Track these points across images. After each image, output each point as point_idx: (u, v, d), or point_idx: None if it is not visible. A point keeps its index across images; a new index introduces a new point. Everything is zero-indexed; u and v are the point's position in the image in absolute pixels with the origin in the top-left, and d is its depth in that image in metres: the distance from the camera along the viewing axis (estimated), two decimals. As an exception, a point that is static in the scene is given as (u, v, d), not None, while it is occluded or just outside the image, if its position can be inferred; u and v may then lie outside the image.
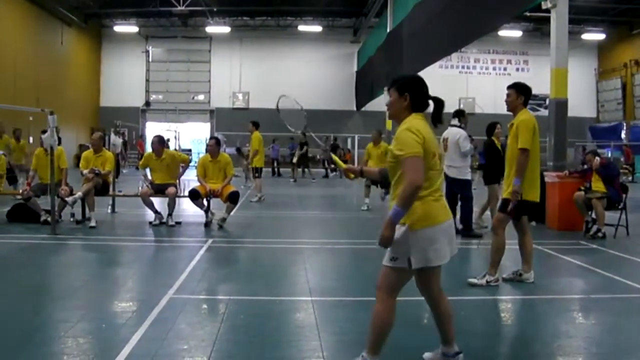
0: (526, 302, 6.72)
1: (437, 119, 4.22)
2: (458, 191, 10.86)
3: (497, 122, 11.68)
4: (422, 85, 4.15)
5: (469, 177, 11.03)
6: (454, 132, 10.83)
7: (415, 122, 4.00)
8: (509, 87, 7.40)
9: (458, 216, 10.79)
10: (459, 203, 10.94)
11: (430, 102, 4.17)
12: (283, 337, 5.07)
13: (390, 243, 3.86)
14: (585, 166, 11.59)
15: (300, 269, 8.06)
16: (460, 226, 10.70)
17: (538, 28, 38.15)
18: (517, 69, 42.53)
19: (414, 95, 4.08)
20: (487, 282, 7.05)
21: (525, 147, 6.89)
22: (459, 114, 11.24)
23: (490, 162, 11.39)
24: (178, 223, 11.57)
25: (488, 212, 11.70)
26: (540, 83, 39.51)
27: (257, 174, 17.30)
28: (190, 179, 13.63)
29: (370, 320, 4.12)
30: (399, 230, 3.88)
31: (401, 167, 3.90)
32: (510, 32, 38.86)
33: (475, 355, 4.71)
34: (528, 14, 32.39)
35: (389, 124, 33.02)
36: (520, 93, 7.30)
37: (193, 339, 4.93)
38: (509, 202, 6.88)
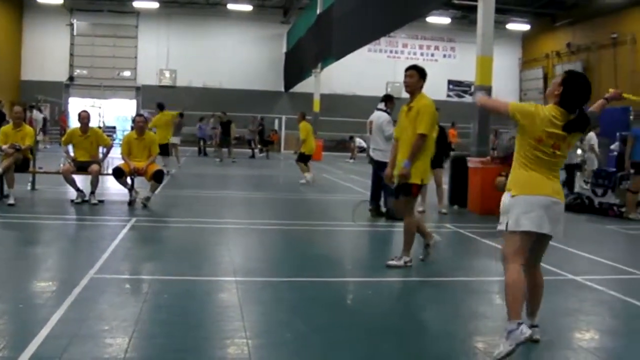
0: (445, 283, 6.88)
1: (579, 126, 4.54)
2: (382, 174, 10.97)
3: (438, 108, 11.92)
4: (584, 87, 4.52)
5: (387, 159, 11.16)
6: (378, 116, 10.97)
7: (545, 106, 4.57)
8: (410, 68, 7.33)
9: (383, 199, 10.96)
10: (387, 186, 11.07)
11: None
12: (206, 317, 5.05)
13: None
14: (496, 152, 11.91)
15: (224, 249, 8.03)
16: (384, 209, 10.91)
17: (465, 16, 38.79)
18: (444, 56, 43.27)
19: (568, 91, 4.48)
20: (405, 262, 7.10)
21: (426, 132, 6.89)
22: (387, 98, 11.42)
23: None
24: (101, 201, 11.33)
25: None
26: (466, 70, 40.49)
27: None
28: (114, 157, 13.35)
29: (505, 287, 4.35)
30: (505, 197, 4.51)
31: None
32: (439, 19, 39.44)
33: (395, 335, 4.79)
34: (456, 1, 32.97)
35: (316, 105, 33.18)
36: (421, 76, 7.27)
37: (114, 320, 4.86)
38: (410, 186, 6.91)
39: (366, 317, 5.25)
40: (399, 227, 10.19)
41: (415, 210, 7.45)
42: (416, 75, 7.22)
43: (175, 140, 21.15)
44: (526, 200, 4.37)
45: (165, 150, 16.80)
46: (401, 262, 7.10)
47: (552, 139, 4.38)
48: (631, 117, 29.00)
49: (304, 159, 17.28)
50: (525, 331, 4.14)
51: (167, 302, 5.42)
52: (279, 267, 7.24)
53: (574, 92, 4.44)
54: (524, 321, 4.37)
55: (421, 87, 7.25)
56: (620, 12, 32.80)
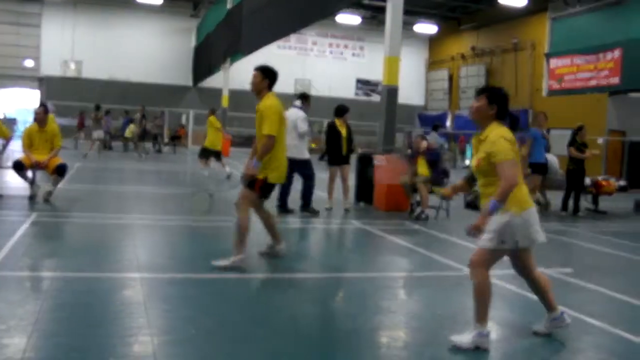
0: (349, 279, 6.99)
1: (514, 127, 4.82)
2: (298, 171, 11.09)
3: (347, 107, 12.20)
4: (507, 100, 4.81)
5: (307, 156, 11.28)
6: (293, 113, 11.09)
7: (503, 130, 4.66)
8: (255, 69, 7.18)
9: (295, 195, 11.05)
10: (302, 181, 11.24)
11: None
12: (108, 315, 4.96)
13: (478, 234, 4.56)
14: (410, 150, 12.19)
15: (129, 246, 7.90)
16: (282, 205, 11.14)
17: (375, 16, 39.36)
18: (353, 54, 43.76)
19: (501, 108, 4.74)
20: (233, 262, 6.72)
21: (271, 133, 6.74)
22: (303, 97, 11.60)
23: (331, 143, 11.82)
24: (0, 195, 10.93)
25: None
26: (374, 70, 41.16)
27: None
28: (14, 150, 12.89)
29: (474, 295, 4.66)
30: (506, 217, 4.54)
31: (498, 169, 4.53)
32: (348, 19, 39.76)
33: (301, 330, 4.84)
34: (366, 2, 33.42)
35: (225, 100, 32.97)
36: (265, 76, 7.07)
37: (12, 319, 4.70)
38: (256, 181, 6.79)
39: (272, 313, 5.27)
40: (311, 223, 10.31)
41: (256, 209, 7.12)
42: (259, 75, 7.07)
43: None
44: (530, 213, 4.67)
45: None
46: (226, 262, 6.70)
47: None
48: (529, 119, 30.23)
49: (205, 153, 17.11)
50: (487, 343, 4.61)
51: (68, 300, 5.28)
52: (185, 264, 7.17)
53: (505, 104, 4.77)
54: (554, 316, 4.98)
55: (267, 86, 7.09)
56: (521, 19, 34.03)
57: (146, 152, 25.75)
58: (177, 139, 33.32)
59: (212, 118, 17.47)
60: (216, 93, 34.92)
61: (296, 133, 10.93)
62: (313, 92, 38.65)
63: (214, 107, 19.20)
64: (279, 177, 7.00)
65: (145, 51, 39.28)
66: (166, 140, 33.52)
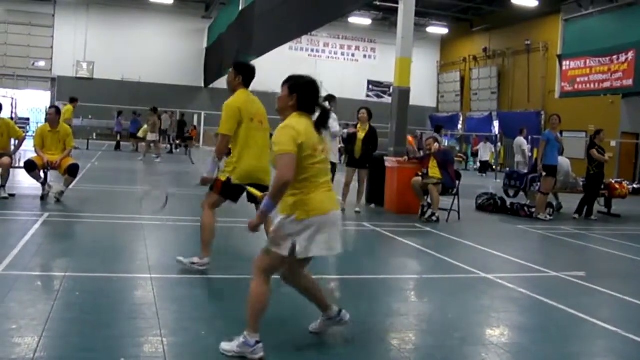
0: (360, 281, 6.96)
1: (321, 125, 4.33)
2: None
3: (366, 108, 12.17)
4: (313, 89, 4.36)
5: (336, 160, 11.32)
6: None
7: (296, 120, 4.18)
8: (231, 67, 6.95)
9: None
10: None
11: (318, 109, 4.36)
12: (120, 315, 4.96)
13: (257, 230, 4.17)
14: (422, 152, 12.16)
15: (140, 246, 7.91)
16: None
17: (387, 18, 39.31)
18: (365, 56, 43.75)
19: (302, 97, 4.28)
20: (192, 263, 6.55)
21: (225, 132, 6.47)
22: (330, 98, 11.53)
23: (348, 146, 11.80)
24: (12, 195, 10.97)
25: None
26: (386, 71, 40.97)
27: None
28: (27, 150, 12.95)
29: (248, 298, 4.26)
30: (282, 220, 4.13)
31: (275, 162, 4.05)
32: (360, 20, 39.81)
33: (309, 334, 4.82)
34: (378, 3, 33.38)
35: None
36: (238, 72, 6.79)
37: (23, 318, 4.71)
38: (216, 181, 6.55)
39: (283, 314, 5.26)
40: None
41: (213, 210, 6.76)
42: (231, 73, 6.84)
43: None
44: (318, 222, 4.18)
45: None
46: (186, 261, 6.57)
47: (321, 144, 4.27)
48: (542, 121, 30.10)
49: None
50: (259, 352, 4.16)
51: (79, 299, 5.29)
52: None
53: (306, 94, 4.33)
54: (330, 315, 4.66)
55: (242, 82, 6.78)
56: (534, 21, 33.89)
57: (157, 154, 25.61)
58: (188, 139, 33.39)
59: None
60: (227, 94, 34.90)
61: (328, 134, 10.98)
62: (323, 93, 38.69)
63: None
64: (245, 178, 6.42)
65: (157, 52, 39.39)
66: (177, 141, 33.58)
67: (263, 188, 5.84)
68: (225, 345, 4.25)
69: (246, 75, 6.79)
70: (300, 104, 4.28)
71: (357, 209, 11.94)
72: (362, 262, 8.11)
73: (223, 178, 6.48)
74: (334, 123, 11.11)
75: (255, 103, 6.81)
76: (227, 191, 6.51)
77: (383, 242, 9.59)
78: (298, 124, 4.13)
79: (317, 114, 4.37)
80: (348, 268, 7.49)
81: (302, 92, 4.30)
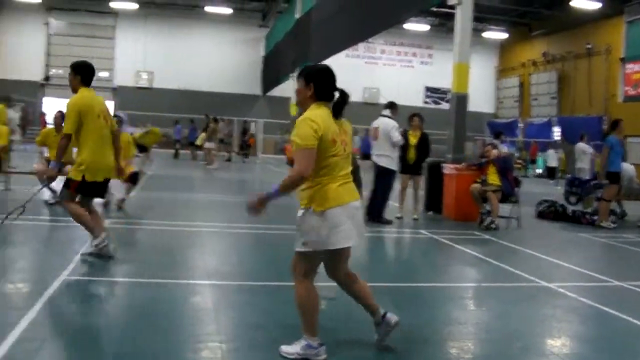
0: (418, 288, 6.89)
1: (338, 112, 4.28)
2: (382, 179, 11.14)
3: (418, 114, 12.06)
4: (328, 76, 4.26)
5: (395, 167, 11.28)
6: (385, 122, 11.16)
7: (315, 112, 4.12)
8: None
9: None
10: (378, 190, 11.30)
11: (336, 93, 4.27)
12: (178, 321, 5.01)
13: (254, 213, 4.17)
14: (483, 159, 11.99)
15: (198, 253, 7.99)
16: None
17: (443, 23, 39.04)
18: (422, 62, 43.54)
19: (319, 86, 4.20)
20: (96, 245, 6.93)
21: (68, 132, 6.67)
22: (392, 105, 11.55)
23: (401, 152, 11.73)
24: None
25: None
26: (443, 77, 40.59)
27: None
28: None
29: (296, 305, 4.28)
30: (307, 216, 4.11)
31: (295, 154, 4.06)
32: (417, 26, 39.65)
33: (366, 342, 4.79)
34: (434, 9, 33.18)
35: (293, 109, 33.09)
36: (76, 73, 6.97)
37: (86, 323, 4.81)
38: (71, 181, 6.77)
39: (339, 321, 5.24)
40: (381, 232, 10.25)
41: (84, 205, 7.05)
42: (71, 73, 7.00)
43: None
44: (334, 214, 4.13)
45: None
46: (91, 249, 6.97)
47: (340, 137, 4.19)
48: (604, 126, 29.37)
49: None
50: (322, 354, 4.21)
51: (139, 305, 5.37)
52: (253, 271, 7.22)
53: (323, 81, 4.23)
54: (377, 321, 4.55)
55: (80, 82, 6.97)
56: (595, 24, 33.22)
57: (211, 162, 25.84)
58: (247, 147, 33.74)
59: None
60: (285, 101, 35.15)
61: (389, 143, 10.98)
62: (381, 100, 38.69)
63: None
64: (94, 174, 6.75)
65: (215, 61, 39.93)
66: (236, 149, 34.03)
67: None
68: (286, 348, 4.27)
69: (83, 73, 6.98)
70: (318, 92, 4.21)
71: (415, 216, 11.85)
72: (420, 269, 8.03)
73: (77, 178, 6.72)
74: (394, 132, 11.06)
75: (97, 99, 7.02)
76: (85, 189, 6.85)
77: (441, 249, 9.49)
78: (317, 116, 4.07)
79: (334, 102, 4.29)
80: (405, 276, 7.43)
81: (318, 80, 4.22)
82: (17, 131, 23.98)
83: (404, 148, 11.68)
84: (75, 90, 6.92)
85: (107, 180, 6.97)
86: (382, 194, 11.25)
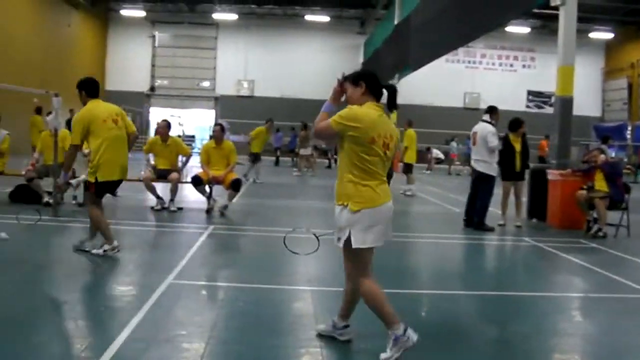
0: (522, 298, 6.71)
1: (392, 105, 4.51)
2: (480, 185, 10.99)
3: (522, 120, 11.75)
4: (375, 75, 4.52)
5: (494, 173, 11.07)
6: (483, 127, 11.04)
7: (364, 109, 4.30)
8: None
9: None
10: (479, 196, 11.14)
11: (385, 90, 4.51)
12: (280, 326, 5.07)
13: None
14: (587, 165, 11.58)
15: (299, 258, 8.05)
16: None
17: (546, 25, 38.02)
18: (524, 66, 42.45)
19: (370, 83, 4.43)
20: (105, 250, 7.29)
21: (73, 143, 7.26)
22: (491, 110, 11.38)
23: (504, 158, 11.47)
24: (180, 209, 11.58)
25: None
26: (546, 80, 39.63)
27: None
28: (193, 165, 13.62)
29: (366, 303, 4.39)
30: (342, 213, 4.28)
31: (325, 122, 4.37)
32: (518, 29, 38.77)
33: (474, 350, 4.72)
34: (536, 10, 32.32)
35: (393, 116, 32.86)
36: (80, 89, 7.41)
37: (191, 325, 4.95)
38: (88, 184, 7.33)
39: (442, 329, 5.18)
40: (483, 239, 10.08)
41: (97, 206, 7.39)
42: (78, 91, 7.43)
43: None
44: (366, 214, 4.28)
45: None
46: (100, 251, 7.30)
47: (382, 139, 4.29)
48: None
49: (409, 169, 17.36)
50: (412, 336, 4.19)
51: (242, 309, 5.48)
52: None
53: (372, 79, 4.46)
54: (337, 324, 4.66)
55: (86, 96, 7.40)
56: None
57: (307, 168, 26.08)
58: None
59: (411, 132, 17.30)
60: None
61: (486, 148, 10.82)
62: (482, 105, 38.01)
63: (411, 120, 18.89)
64: (109, 174, 7.22)
65: (314, 68, 40.29)
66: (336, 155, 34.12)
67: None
68: (384, 355, 4.22)
69: (86, 88, 7.39)
70: (370, 88, 4.41)
71: (518, 223, 11.56)
72: (523, 278, 7.84)
73: (92, 180, 7.23)
74: (491, 137, 10.86)
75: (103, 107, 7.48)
76: (101, 189, 7.32)
77: (545, 258, 9.21)
78: (362, 112, 4.26)
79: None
80: (508, 284, 7.27)
81: (367, 79, 4.44)
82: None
83: (508, 154, 11.40)
84: (85, 104, 7.40)
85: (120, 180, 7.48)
86: (482, 200, 11.05)
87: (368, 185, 4.24)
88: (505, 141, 11.51)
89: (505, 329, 5.56)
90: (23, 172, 11.50)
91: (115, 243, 7.32)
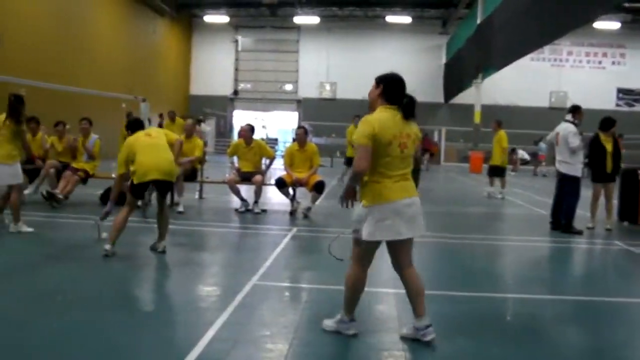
0: (615, 304, 6.45)
1: (408, 114, 4.70)
2: (565, 186, 10.70)
3: (614, 119, 11.31)
4: (398, 82, 4.80)
5: (577, 173, 10.73)
6: (564, 127, 10.75)
7: (377, 115, 4.59)
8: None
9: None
10: (565, 198, 10.85)
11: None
12: (363, 328, 5.04)
13: (345, 201, 4.70)
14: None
15: (383, 261, 8.01)
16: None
17: (637, 20, 36.71)
18: (613, 63, 41.02)
19: (387, 87, 4.71)
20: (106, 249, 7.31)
21: (119, 173, 7.78)
22: (574, 109, 11.05)
23: (594, 159, 11.12)
24: (264, 211, 11.71)
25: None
26: (637, 77, 38.24)
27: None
28: (276, 168, 13.75)
29: (344, 283, 4.78)
30: (358, 207, 4.61)
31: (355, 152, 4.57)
32: (607, 24, 37.49)
33: (559, 357, 4.59)
34: (626, 4, 31.25)
35: (477, 116, 32.48)
36: (127, 129, 8.07)
37: (275, 326, 4.99)
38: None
39: (527, 335, 5.06)
40: (571, 243, 9.82)
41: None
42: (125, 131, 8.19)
43: None
44: (383, 209, 4.56)
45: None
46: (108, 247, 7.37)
47: (398, 139, 4.53)
48: None
49: (497, 172, 16.87)
50: (352, 329, 4.73)
51: (325, 311, 5.46)
52: (439, 281, 7.12)
53: (391, 84, 4.75)
54: (418, 325, 4.67)
55: (128, 134, 7.97)
56: None
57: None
58: (431, 155, 33.77)
59: (502, 133, 16.70)
60: (468, 109, 34.59)
61: (567, 149, 10.53)
62: (569, 104, 37.02)
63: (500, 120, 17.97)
64: (141, 177, 7.48)
65: (396, 70, 39.14)
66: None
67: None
68: (326, 321, 4.85)
69: (131, 128, 7.94)
70: (386, 93, 4.68)
71: (608, 226, 11.17)
72: (615, 283, 7.57)
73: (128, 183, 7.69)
74: (572, 137, 10.52)
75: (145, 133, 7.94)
76: (135, 191, 7.64)
77: (637, 262, 8.89)
78: (375, 120, 4.52)
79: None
80: (599, 290, 7.04)
81: (387, 82, 4.72)
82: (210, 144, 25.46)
83: (599, 155, 11.03)
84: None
85: (157, 182, 7.65)
86: (567, 202, 10.72)
87: (381, 182, 4.51)
88: (595, 141, 11.13)
89: (593, 336, 5.37)
90: (113, 175, 11.84)
91: (109, 248, 7.35)
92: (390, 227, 4.51)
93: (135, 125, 8.00)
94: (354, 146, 4.70)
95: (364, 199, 4.56)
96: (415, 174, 5.06)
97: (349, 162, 18.50)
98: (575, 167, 10.69)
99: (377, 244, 4.64)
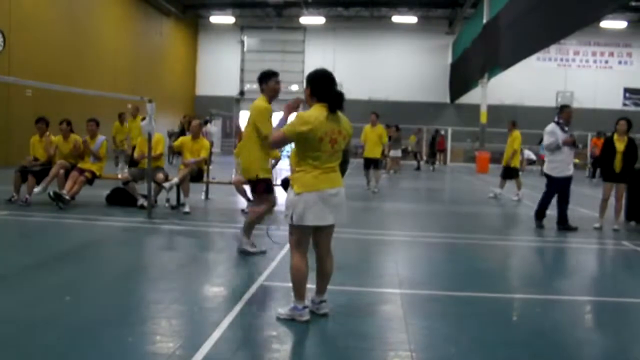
0: (622, 305, 6.42)
1: (333, 107, 5.00)
2: (547, 184, 10.94)
3: (630, 122, 11.29)
4: (323, 79, 5.12)
5: (553, 173, 10.74)
6: (547, 126, 10.94)
7: (310, 112, 4.95)
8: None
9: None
10: (557, 198, 11.01)
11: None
12: (369, 329, 5.04)
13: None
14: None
15: (389, 261, 8.02)
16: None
17: (644, 19, 36.62)
18: (620, 62, 40.87)
19: (314, 87, 5.08)
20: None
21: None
22: (561, 109, 11.21)
23: (605, 159, 11.13)
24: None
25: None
26: (645, 77, 37.83)
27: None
28: (282, 168, 13.74)
29: (290, 273, 5.07)
30: (290, 194, 4.97)
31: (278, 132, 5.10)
32: (613, 23, 37.37)
33: (563, 358, 4.56)
34: (633, 3, 31.14)
35: (483, 116, 32.43)
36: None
37: (282, 326, 4.97)
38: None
39: (532, 336, 5.03)
40: (576, 243, 9.78)
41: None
42: None
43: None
44: (309, 197, 4.92)
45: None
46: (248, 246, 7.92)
47: (329, 136, 4.89)
48: None
49: (509, 173, 16.57)
50: (306, 315, 5.00)
51: (332, 312, 5.46)
52: (445, 281, 7.11)
53: (317, 84, 5.09)
54: (314, 299, 5.24)
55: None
56: None
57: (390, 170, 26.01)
58: (439, 153, 33.77)
59: (516, 134, 16.48)
60: (474, 109, 34.54)
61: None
62: (576, 104, 36.92)
63: (515, 120, 17.59)
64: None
65: (402, 70, 40.10)
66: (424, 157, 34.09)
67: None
68: (281, 309, 5.10)
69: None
70: (314, 91, 5.05)
71: (616, 227, 11.12)
72: (623, 284, 7.52)
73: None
74: (546, 136, 10.94)
75: None
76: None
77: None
78: (307, 115, 4.89)
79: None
80: (606, 290, 7.01)
81: (313, 81, 5.09)
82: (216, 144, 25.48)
83: (609, 154, 11.00)
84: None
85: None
86: (541, 197, 11.12)
87: (310, 172, 4.90)
88: (608, 141, 11.15)
89: (601, 337, 5.35)
90: (119, 176, 11.89)
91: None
92: (317, 212, 4.88)
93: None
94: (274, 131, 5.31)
95: (295, 186, 4.92)
96: (343, 166, 5.68)
97: (367, 163, 17.73)
98: (551, 165, 10.82)
99: (309, 229, 4.99)
